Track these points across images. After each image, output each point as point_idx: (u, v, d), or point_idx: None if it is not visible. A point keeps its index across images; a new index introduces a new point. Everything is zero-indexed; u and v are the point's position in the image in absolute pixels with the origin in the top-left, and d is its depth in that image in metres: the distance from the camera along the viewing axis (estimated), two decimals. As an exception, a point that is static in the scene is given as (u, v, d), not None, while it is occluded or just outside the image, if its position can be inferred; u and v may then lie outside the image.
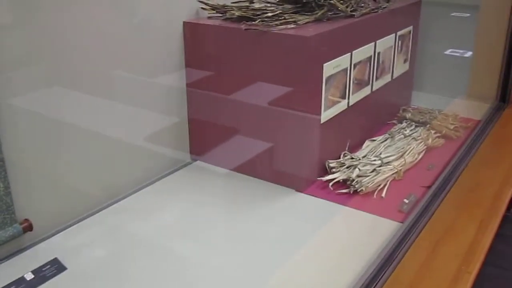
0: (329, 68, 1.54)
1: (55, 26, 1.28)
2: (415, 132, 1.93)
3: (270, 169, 1.64)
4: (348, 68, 1.65)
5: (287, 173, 1.60)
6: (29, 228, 1.32)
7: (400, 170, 1.66)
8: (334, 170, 1.64)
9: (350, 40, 1.64)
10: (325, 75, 1.53)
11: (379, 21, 1.80)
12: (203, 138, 1.74)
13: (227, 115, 1.66)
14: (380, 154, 1.74)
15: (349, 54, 1.64)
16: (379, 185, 1.59)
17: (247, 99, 1.60)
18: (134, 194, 1.58)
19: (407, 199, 1.52)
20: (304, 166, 1.57)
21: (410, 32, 2.08)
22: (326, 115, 1.59)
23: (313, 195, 1.56)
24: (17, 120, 1.25)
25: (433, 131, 1.94)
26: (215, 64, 1.62)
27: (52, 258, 1.28)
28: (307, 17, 1.57)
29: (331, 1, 1.61)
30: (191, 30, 1.62)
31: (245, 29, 1.49)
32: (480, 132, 2.01)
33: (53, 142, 1.35)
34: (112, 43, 1.42)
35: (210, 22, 1.60)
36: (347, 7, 1.66)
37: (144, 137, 1.64)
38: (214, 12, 1.64)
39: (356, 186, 1.56)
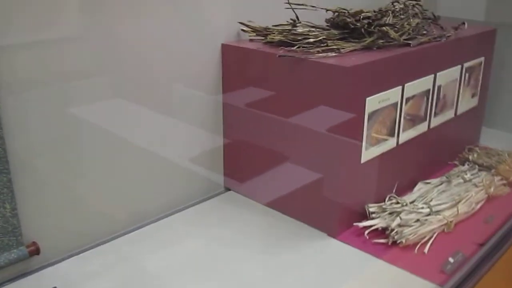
0: (373, 102, 1.38)
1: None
2: (477, 177, 1.71)
3: (303, 209, 1.50)
4: (399, 103, 1.48)
5: (320, 214, 1.45)
6: (36, 251, 1.27)
7: (451, 221, 1.46)
8: (374, 215, 1.47)
9: (403, 71, 1.47)
10: (368, 110, 1.37)
11: (441, 51, 1.61)
12: (237, 167, 1.63)
13: (262, 145, 1.54)
14: (431, 200, 1.54)
15: (400, 87, 1.47)
16: (424, 238, 1.40)
17: (282, 130, 1.47)
18: (158, 221, 1.49)
19: (453, 258, 1.33)
20: (339, 209, 1.42)
21: (481, 63, 1.86)
22: (368, 154, 1.42)
23: (345, 242, 1.40)
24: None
25: (498, 177, 1.71)
26: (251, 89, 1.51)
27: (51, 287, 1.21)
28: (354, 44, 1.42)
29: (383, 28, 1.45)
30: (228, 53, 1.52)
31: (279, 56, 1.36)
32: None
33: (74, 158, 1.29)
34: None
35: (248, 45, 1.49)
36: (401, 34, 1.49)
37: (176, 161, 1.56)
38: (255, 34, 1.53)
39: (396, 237, 1.38)
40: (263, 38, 1.52)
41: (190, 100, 1.51)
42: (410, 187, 1.66)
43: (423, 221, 1.43)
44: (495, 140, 2.08)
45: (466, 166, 1.78)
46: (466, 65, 1.76)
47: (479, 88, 1.90)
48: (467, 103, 1.85)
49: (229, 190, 1.68)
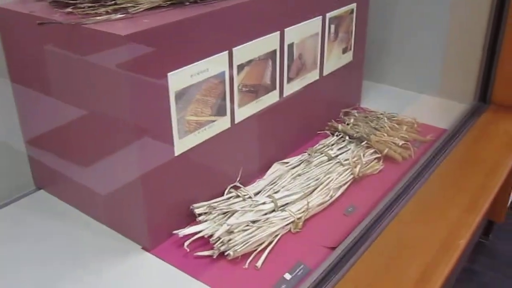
0: (182, 77, 1.04)
1: None
2: (346, 151, 1.42)
3: (115, 216, 1.18)
4: (227, 73, 1.14)
5: (131, 223, 1.13)
6: None
7: (299, 218, 1.17)
8: (202, 218, 1.16)
9: (228, 32, 1.13)
10: (174, 88, 1.03)
11: (287, 1, 1.27)
12: (45, 162, 1.28)
13: (63, 137, 1.19)
14: (278, 191, 1.24)
15: (226, 52, 1.13)
16: (261, 245, 1.11)
17: (72, 119, 1.13)
18: None
19: (291, 273, 1.04)
20: (151, 215, 1.10)
21: (352, 11, 1.53)
22: (185, 143, 1.10)
23: (160, 258, 1.10)
24: None
25: (370, 150, 1.43)
26: (38, 67, 1.15)
27: None
28: (156, 0, 1.06)
29: (197, -25, 1.09)
30: (5, 20, 1.14)
31: (38, 23, 0.99)
32: (440, 148, 1.48)
33: None
34: None
35: (28, 7, 1.11)
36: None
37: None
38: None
39: (222, 248, 1.08)
40: (46, -5, 1.14)
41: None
42: (265, 169, 1.36)
43: (261, 223, 1.13)
44: (384, 97, 1.80)
45: (333, 138, 1.48)
46: (329, 15, 1.43)
47: (352, 41, 1.58)
48: (336, 60, 1.53)
49: (40, 189, 1.34)
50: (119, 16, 1.01)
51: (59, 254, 1.11)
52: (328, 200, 1.24)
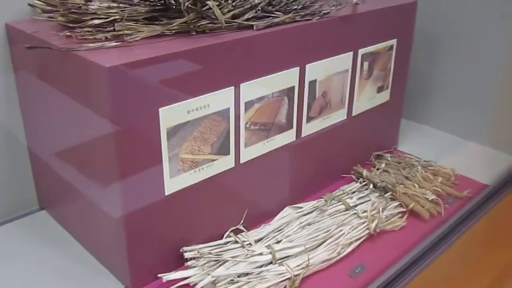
0: (176, 113, 0.97)
1: None
2: (367, 201, 1.29)
3: (99, 249, 1.12)
4: (232, 110, 1.06)
5: (114, 261, 1.07)
6: None
7: (297, 275, 1.06)
8: (191, 263, 1.07)
9: (234, 66, 1.04)
10: (167, 124, 0.96)
11: (312, 34, 1.17)
12: (47, 183, 1.25)
13: (55, 161, 1.15)
14: (280, 241, 1.14)
15: (232, 88, 1.04)
16: (250, 301, 1.01)
17: (65, 145, 1.08)
18: None
19: None
20: (136, 255, 1.03)
21: (391, 47, 1.41)
22: (178, 182, 1.02)
23: (139, 304, 1.02)
24: None
25: (395, 203, 1.29)
26: (38, 88, 1.11)
27: None
28: (158, 28, 1.00)
29: (208, 2, 1.02)
30: (14, 37, 1.12)
31: (27, 47, 0.95)
32: (476, 207, 1.33)
33: None
34: None
35: (33, 26, 1.08)
36: (232, 11, 1.05)
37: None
38: (41, 12, 1.12)
39: (204, 301, 0.99)
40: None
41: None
42: (277, 212, 1.26)
43: (252, 277, 1.03)
44: (424, 141, 1.65)
45: (357, 184, 1.35)
46: (362, 51, 1.31)
47: (390, 79, 1.45)
48: (369, 99, 1.41)
49: (43, 209, 1.30)
50: (113, 44, 0.95)
51: (40, 281, 1.06)
52: (335, 257, 1.13)
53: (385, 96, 1.46)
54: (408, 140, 1.64)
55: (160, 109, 0.94)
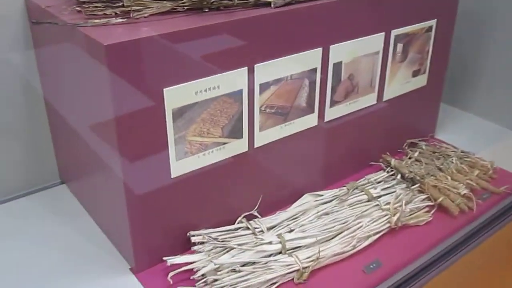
0: (182, 94, 0.93)
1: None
2: (392, 192, 1.22)
3: (109, 228, 1.11)
4: (245, 92, 1.01)
5: (121, 241, 1.06)
6: None
7: (306, 268, 1.01)
8: (197, 248, 1.05)
9: (248, 46, 0.99)
10: (172, 105, 0.92)
11: (336, 12, 1.10)
12: (67, 157, 1.25)
13: (71, 138, 1.15)
14: (292, 231, 1.09)
15: (245, 69, 0.99)
16: (253, 291, 0.98)
17: (76, 123, 1.07)
18: None
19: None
20: (141, 238, 1.01)
21: (430, 29, 1.31)
22: (185, 165, 0.99)
23: (141, 283, 1.00)
24: None
25: (422, 196, 1.21)
26: (52, 64, 1.10)
27: None
28: (167, 4, 0.96)
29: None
30: (31, 9, 1.11)
31: (33, 23, 0.93)
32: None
33: None
34: None
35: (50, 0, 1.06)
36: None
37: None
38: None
39: (205, 288, 0.96)
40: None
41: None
42: (296, 199, 1.21)
43: (258, 266, 1.00)
44: (466, 129, 1.54)
45: (384, 174, 1.28)
46: (395, 32, 1.22)
47: (428, 63, 1.35)
48: (403, 84, 1.32)
49: (63, 183, 1.31)
50: (119, 20, 0.91)
51: (50, 256, 1.08)
52: (349, 250, 1.07)
53: (421, 80, 1.36)
54: (447, 127, 1.54)
55: (165, 90, 0.91)
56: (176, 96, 0.92)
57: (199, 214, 1.07)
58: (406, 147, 1.40)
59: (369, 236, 1.10)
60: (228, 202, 1.11)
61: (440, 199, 1.19)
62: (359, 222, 1.12)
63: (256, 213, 1.15)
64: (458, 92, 1.63)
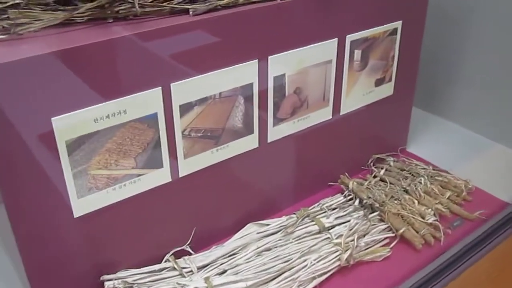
0: (76, 123, 0.78)
1: None
2: (346, 222, 1.07)
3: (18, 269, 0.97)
4: (161, 115, 0.86)
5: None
6: None
7: (234, 320, 0.87)
8: (115, 294, 0.91)
9: (160, 62, 0.84)
10: (64, 137, 0.78)
11: (273, 18, 0.94)
12: None
13: None
14: (225, 271, 0.95)
15: (159, 89, 0.84)
16: None
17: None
18: None
19: None
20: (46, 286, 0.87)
21: (394, 31, 1.14)
22: (91, 202, 0.85)
23: None
24: None
25: (383, 225, 1.06)
26: None
27: None
28: (60, 15, 0.80)
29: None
30: None
31: None
32: (487, 234, 1.07)
33: None
34: None
35: None
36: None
37: None
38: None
39: None
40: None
41: None
42: (240, 226, 1.07)
43: (175, 319, 0.85)
44: (442, 140, 1.38)
45: (341, 199, 1.13)
46: (350, 37, 1.06)
47: (394, 70, 1.19)
48: (364, 95, 1.16)
49: None
50: (1, 36, 0.76)
51: None
52: (286, 295, 0.92)
53: (387, 90, 1.20)
54: (422, 138, 1.38)
55: (53, 119, 0.76)
56: (68, 125, 0.77)
57: (118, 253, 0.93)
58: (372, 164, 1.25)
59: (313, 278, 0.95)
60: (153, 238, 0.97)
61: (401, 230, 1.04)
62: (304, 260, 0.97)
63: (188, 249, 1.00)
64: (432, 95, 1.46)
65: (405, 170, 1.23)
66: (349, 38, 1.06)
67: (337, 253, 0.99)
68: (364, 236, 1.03)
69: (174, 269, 0.95)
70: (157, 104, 0.85)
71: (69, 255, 0.87)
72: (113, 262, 0.93)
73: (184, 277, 0.94)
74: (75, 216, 0.84)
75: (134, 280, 0.91)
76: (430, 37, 1.25)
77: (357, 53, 1.09)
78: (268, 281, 0.94)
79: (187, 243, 1.00)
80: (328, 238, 1.02)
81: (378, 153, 1.27)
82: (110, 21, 0.84)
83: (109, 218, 0.88)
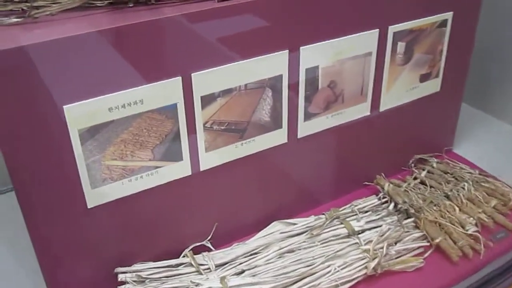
0: (89, 112, 0.75)
1: None
2: (377, 226, 1.00)
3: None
4: (181, 107, 0.82)
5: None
6: None
7: (247, 324, 0.83)
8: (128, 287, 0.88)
9: (182, 51, 0.79)
10: (77, 125, 0.75)
11: (304, 6, 0.88)
12: None
13: None
14: (243, 272, 0.90)
15: (178, 79, 0.80)
16: None
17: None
18: None
19: None
20: (59, 276, 0.86)
21: (443, 23, 1.05)
22: (105, 193, 0.82)
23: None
24: None
25: (417, 233, 0.99)
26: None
27: None
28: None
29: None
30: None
31: None
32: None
33: None
34: None
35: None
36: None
37: None
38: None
39: None
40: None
41: None
42: (266, 224, 1.02)
43: (186, 320, 0.82)
44: (493, 142, 1.28)
45: (375, 201, 1.06)
46: (393, 28, 0.98)
47: (442, 65, 1.10)
48: (407, 91, 1.08)
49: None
50: (14, 20, 0.74)
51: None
52: (305, 305, 0.87)
53: (433, 86, 1.12)
54: (471, 138, 1.28)
55: (65, 107, 0.73)
56: (82, 114, 0.75)
57: (135, 246, 0.91)
58: (413, 165, 1.17)
59: (336, 286, 0.89)
60: (172, 232, 0.94)
61: (437, 240, 0.96)
62: (328, 266, 0.91)
63: (208, 244, 0.96)
64: (484, 91, 1.36)
65: (448, 173, 1.14)
66: (392, 29, 0.98)
67: (365, 260, 0.92)
68: (395, 243, 0.96)
69: (191, 265, 0.92)
70: (177, 94, 0.81)
71: (82, 246, 0.85)
72: (130, 255, 0.90)
73: (201, 274, 0.90)
74: (88, 207, 0.82)
75: (148, 275, 0.88)
76: (484, 31, 1.14)
77: (401, 46, 1.01)
78: (287, 285, 0.89)
79: (207, 239, 0.96)
80: (357, 243, 0.96)
81: (420, 153, 1.18)
82: (131, 5, 0.80)
83: (125, 210, 0.86)
